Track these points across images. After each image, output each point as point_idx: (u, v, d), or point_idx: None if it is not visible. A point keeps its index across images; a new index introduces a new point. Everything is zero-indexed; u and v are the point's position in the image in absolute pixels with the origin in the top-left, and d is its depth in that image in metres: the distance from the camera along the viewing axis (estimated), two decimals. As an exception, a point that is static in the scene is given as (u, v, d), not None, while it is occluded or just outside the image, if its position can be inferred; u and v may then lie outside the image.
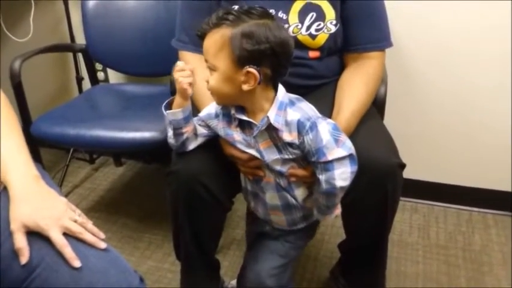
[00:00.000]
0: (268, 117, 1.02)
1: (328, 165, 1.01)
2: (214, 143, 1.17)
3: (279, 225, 1.20)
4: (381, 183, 1.16)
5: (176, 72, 1.05)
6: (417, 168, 1.83)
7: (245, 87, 1.00)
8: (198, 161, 1.16)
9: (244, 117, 1.06)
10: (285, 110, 1.03)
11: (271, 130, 1.04)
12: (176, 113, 1.08)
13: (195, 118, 1.15)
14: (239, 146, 1.11)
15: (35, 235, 0.81)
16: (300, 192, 1.13)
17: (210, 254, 1.38)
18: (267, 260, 1.22)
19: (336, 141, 1.00)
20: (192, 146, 1.16)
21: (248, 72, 0.98)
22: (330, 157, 1.00)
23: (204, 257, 1.34)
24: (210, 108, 1.15)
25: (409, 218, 1.93)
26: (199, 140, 1.17)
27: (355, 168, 1.02)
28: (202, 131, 1.16)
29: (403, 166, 1.19)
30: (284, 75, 1.05)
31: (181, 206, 1.21)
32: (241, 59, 0.97)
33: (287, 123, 1.02)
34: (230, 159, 1.15)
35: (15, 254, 0.80)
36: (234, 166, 1.17)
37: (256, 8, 1.02)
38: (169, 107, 1.11)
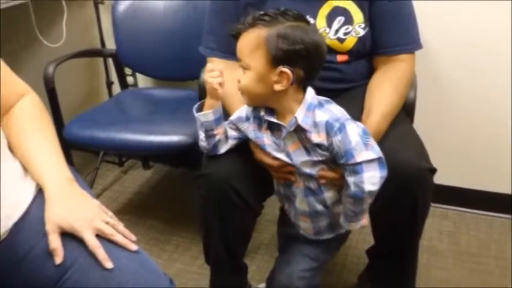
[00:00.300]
0: (296, 117, 1.02)
1: (357, 168, 1.00)
2: (245, 147, 1.17)
3: (306, 232, 1.20)
4: (411, 188, 1.15)
5: (206, 73, 1.06)
6: (447, 173, 1.79)
7: (277, 87, 1.01)
8: (229, 164, 1.17)
9: (274, 119, 1.07)
10: (313, 111, 1.03)
11: (299, 131, 1.04)
12: (207, 114, 1.09)
13: (226, 122, 1.15)
14: (269, 149, 1.11)
15: (68, 236, 0.83)
16: (329, 195, 1.12)
17: (239, 257, 1.38)
18: (298, 262, 1.22)
19: (365, 145, 1.00)
20: (223, 149, 1.17)
21: (282, 72, 0.99)
22: (358, 159, 0.99)
23: (232, 260, 1.34)
24: (241, 111, 1.16)
25: (438, 224, 1.90)
26: (230, 143, 1.17)
27: (384, 173, 1.01)
28: (232, 133, 1.17)
29: (433, 171, 1.17)
30: (315, 79, 1.06)
31: (211, 209, 1.21)
32: (276, 59, 0.99)
33: (315, 124, 1.02)
34: (260, 164, 1.16)
35: (49, 254, 0.82)
36: (265, 170, 1.17)
37: (291, 10, 1.03)
38: (200, 109, 1.12)
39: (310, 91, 1.05)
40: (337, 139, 1.00)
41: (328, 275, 1.64)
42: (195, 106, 1.12)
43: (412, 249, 1.32)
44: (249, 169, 1.17)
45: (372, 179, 1.00)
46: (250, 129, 1.13)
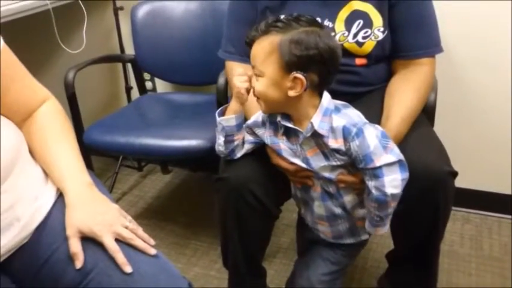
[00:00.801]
0: (312, 123, 1.02)
1: (377, 172, 0.99)
2: (262, 151, 1.18)
3: (325, 235, 1.19)
4: (432, 191, 1.13)
5: (235, 76, 1.07)
6: (469, 176, 1.77)
7: (291, 93, 1.01)
8: (247, 168, 1.17)
9: (290, 125, 1.06)
10: (330, 116, 1.02)
11: (317, 137, 1.04)
12: (230, 119, 1.10)
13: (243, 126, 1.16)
14: (285, 155, 1.11)
15: (89, 240, 0.84)
16: (349, 199, 1.11)
17: (257, 261, 1.38)
18: (319, 266, 1.21)
19: (384, 148, 0.99)
20: (240, 153, 1.18)
21: (295, 78, 0.99)
22: (378, 163, 0.98)
23: (251, 264, 1.34)
24: (257, 116, 1.16)
25: (460, 228, 1.87)
26: (246, 147, 1.18)
27: (406, 175, 1.00)
28: (249, 138, 1.17)
29: (455, 174, 1.15)
30: (330, 84, 1.05)
31: (230, 212, 1.22)
32: (289, 65, 0.99)
33: (333, 130, 1.02)
34: (278, 168, 1.15)
35: (70, 258, 0.83)
36: (282, 174, 1.17)
37: (305, 16, 1.03)
38: (222, 114, 1.12)
39: (326, 96, 1.05)
40: (355, 144, 0.99)
41: (347, 278, 1.62)
42: (218, 111, 1.13)
43: (433, 254, 1.30)
44: (267, 173, 1.18)
45: (393, 182, 0.99)
46: (266, 135, 1.13)
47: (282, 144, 1.11)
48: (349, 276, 1.64)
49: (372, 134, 0.99)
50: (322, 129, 1.02)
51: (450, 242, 1.79)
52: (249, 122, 1.17)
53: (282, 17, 1.04)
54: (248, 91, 1.07)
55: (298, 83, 1.00)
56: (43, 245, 0.86)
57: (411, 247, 1.29)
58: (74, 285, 0.82)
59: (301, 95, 1.01)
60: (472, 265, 1.69)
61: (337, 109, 1.04)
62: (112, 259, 0.82)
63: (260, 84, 1.03)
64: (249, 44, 1.05)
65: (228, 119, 1.10)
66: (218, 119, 1.12)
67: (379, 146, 0.99)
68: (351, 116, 1.04)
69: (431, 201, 1.15)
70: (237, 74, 1.08)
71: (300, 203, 1.22)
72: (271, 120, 1.12)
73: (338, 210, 1.12)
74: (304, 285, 1.22)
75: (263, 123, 1.14)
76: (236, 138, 1.13)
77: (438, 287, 1.38)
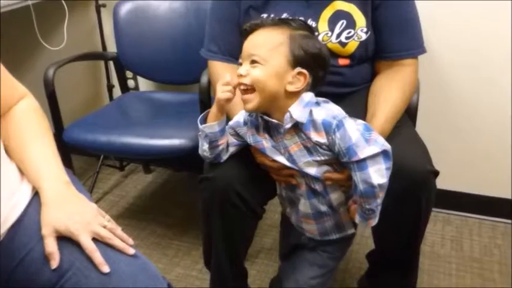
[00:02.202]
0: (290, 112, 1.01)
1: (361, 164, 0.99)
2: (247, 150, 1.17)
3: (311, 233, 1.19)
4: (414, 190, 1.14)
5: (220, 84, 1.05)
6: (449, 178, 1.79)
7: (291, 87, 1.01)
8: (232, 168, 1.16)
9: (271, 119, 1.05)
10: (309, 108, 1.02)
11: (299, 131, 1.03)
12: (213, 125, 1.08)
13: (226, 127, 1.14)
14: (268, 153, 1.10)
15: (66, 240, 0.82)
16: (335, 196, 1.11)
17: (240, 261, 1.37)
18: (307, 270, 1.21)
19: (367, 140, 0.99)
20: (225, 156, 1.17)
21: (299, 73, 1.01)
22: (361, 155, 0.98)
23: (233, 264, 1.33)
24: (239, 116, 1.15)
25: (441, 229, 1.88)
26: (231, 150, 1.17)
27: (389, 163, 1.00)
28: (232, 140, 1.16)
29: (436, 173, 1.16)
30: (320, 86, 1.08)
31: (214, 213, 1.21)
32: (297, 60, 1.01)
33: (313, 123, 1.02)
34: (263, 167, 1.15)
35: (46, 258, 0.81)
36: (267, 173, 1.16)
37: (300, 19, 1.10)
38: (204, 120, 1.11)
39: (308, 93, 1.05)
40: (336, 137, 0.99)
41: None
42: (199, 118, 1.11)
43: (413, 254, 1.31)
44: (251, 172, 1.17)
45: (378, 171, 0.99)
46: (248, 134, 1.12)
47: (265, 143, 1.10)
48: (331, 278, 1.64)
49: (352, 126, 1.00)
50: (301, 118, 1.01)
51: (431, 243, 1.80)
52: (231, 122, 1.16)
53: (283, 16, 1.08)
54: (230, 100, 1.05)
55: (300, 79, 1.02)
56: (18, 245, 0.84)
57: (392, 247, 1.30)
58: (49, 285, 0.80)
59: (295, 92, 1.02)
60: (452, 266, 1.70)
61: (316, 103, 1.05)
62: (90, 259, 0.80)
63: (261, 72, 1.01)
64: (249, 32, 1.05)
65: (211, 125, 1.09)
66: (200, 126, 1.10)
67: (361, 138, 0.99)
68: (331, 108, 1.04)
69: (413, 200, 1.15)
70: (222, 82, 1.05)
71: (285, 202, 1.21)
72: (252, 120, 1.11)
73: (324, 208, 1.12)
74: (292, 286, 1.22)
75: (245, 123, 1.13)
76: (220, 143, 1.12)
77: (418, 287, 1.39)
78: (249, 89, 1.03)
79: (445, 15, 1.69)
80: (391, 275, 1.35)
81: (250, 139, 1.12)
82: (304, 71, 1.01)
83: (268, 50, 1.01)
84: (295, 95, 1.03)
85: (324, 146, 1.03)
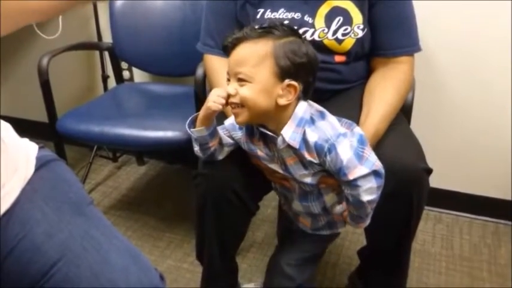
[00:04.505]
0: (282, 135, 0.99)
1: (351, 184, 0.99)
2: (244, 150, 1.16)
3: (304, 225, 1.19)
4: (407, 187, 1.14)
5: (215, 93, 1.00)
6: (442, 176, 1.79)
7: (282, 101, 0.97)
8: (227, 165, 1.15)
9: (267, 131, 1.03)
10: (303, 127, 0.99)
11: (293, 148, 1.01)
12: (201, 130, 1.06)
13: (220, 127, 1.12)
14: (263, 161, 1.10)
15: (56, 229, 0.82)
16: (329, 198, 1.11)
17: (232, 256, 1.38)
18: (290, 252, 1.23)
19: (360, 157, 0.97)
20: (221, 156, 1.14)
21: (289, 85, 0.96)
22: (351, 177, 0.97)
23: (225, 259, 1.33)
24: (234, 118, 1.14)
25: (432, 227, 1.89)
26: (227, 150, 1.15)
27: (380, 182, 0.99)
28: (228, 140, 1.13)
29: (429, 171, 1.17)
30: (311, 93, 1.03)
31: (208, 209, 1.20)
32: (284, 72, 0.96)
33: (306, 144, 0.99)
34: (257, 167, 1.15)
35: (37, 247, 0.80)
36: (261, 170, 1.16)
37: (285, 24, 1.01)
38: (193, 122, 1.09)
39: (301, 105, 1.01)
40: (327, 160, 0.98)
41: (320, 276, 1.63)
42: (188, 121, 1.08)
43: (404, 252, 1.32)
44: (246, 169, 1.16)
45: (368, 190, 0.99)
46: (243, 141, 1.10)
47: (259, 151, 1.09)
48: (322, 273, 1.65)
49: (345, 147, 0.97)
50: (294, 141, 0.98)
51: (422, 241, 1.81)
52: (226, 124, 1.13)
53: (264, 25, 1.00)
54: (217, 112, 1.01)
55: (290, 91, 0.97)
56: (8, 236, 0.83)
57: (383, 244, 1.30)
58: (40, 275, 0.80)
59: (289, 104, 0.98)
60: (442, 264, 1.71)
61: (311, 120, 1.01)
62: (81, 248, 0.80)
63: (249, 91, 0.96)
64: (231, 47, 0.99)
65: (199, 130, 1.06)
66: (189, 131, 1.08)
67: (353, 158, 0.96)
68: (324, 129, 0.99)
69: (406, 197, 1.16)
70: (218, 91, 1.00)
71: (281, 196, 1.22)
72: (247, 126, 1.08)
73: (317, 210, 1.12)
74: (273, 265, 1.24)
75: (240, 127, 1.11)
76: (211, 144, 1.09)
77: (408, 284, 1.40)
78: (240, 105, 0.99)
79: (441, 16, 1.69)
80: (382, 272, 1.36)
81: (244, 146, 1.10)
82: (294, 82, 0.96)
83: (252, 66, 0.96)
84: (287, 106, 0.99)
85: (316, 165, 1.02)
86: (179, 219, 1.94)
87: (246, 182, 1.17)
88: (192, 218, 1.33)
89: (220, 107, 1.00)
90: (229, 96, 0.99)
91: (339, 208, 1.13)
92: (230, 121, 1.13)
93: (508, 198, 1.87)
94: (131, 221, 1.93)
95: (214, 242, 1.27)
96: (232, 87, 0.98)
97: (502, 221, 1.91)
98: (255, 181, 1.18)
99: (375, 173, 0.98)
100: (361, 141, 0.99)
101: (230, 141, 1.14)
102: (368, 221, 1.09)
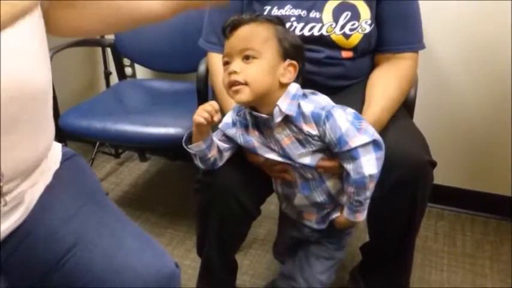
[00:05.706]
0: (278, 105, 1.00)
1: (353, 153, 0.99)
2: (242, 153, 1.16)
3: (309, 221, 1.18)
4: (411, 180, 1.14)
5: (201, 108, 1.00)
6: (444, 173, 1.79)
7: (284, 79, 1.02)
8: (228, 171, 1.15)
9: (262, 114, 1.04)
10: (297, 100, 1.02)
11: (289, 123, 1.03)
12: (199, 144, 1.06)
13: (214, 134, 1.11)
14: (260, 152, 1.10)
15: (71, 215, 0.83)
16: (331, 184, 1.10)
17: (231, 256, 1.38)
18: (314, 265, 1.22)
19: (358, 129, 0.99)
20: (221, 162, 1.14)
21: (290, 64, 1.02)
22: (352, 144, 0.98)
23: (224, 259, 1.33)
24: (227, 118, 1.13)
25: (434, 224, 1.89)
26: (226, 156, 1.14)
27: (380, 153, 1.00)
28: (224, 145, 1.13)
29: (434, 164, 1.16)
30: (301, 77, 1.08)
31: (210, 216, 1.21)
32: (286, 52, 1.02)
33: (303, 116, 1.01)
34: (256, 165, 1.14)
35: (50, 235, 0.81)
36: (263, 173, 1.16)
37: (272, 15, 1.13)
38: (188, 138, 1.08)
39: (294, 85, 1.05)
40: (326, 128, 0.99)
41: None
42: (184, 139, 1.08)
43: (407, 247, 1.31)
44: (247, 174, 1.16)
45: (369, 161, 0.99)
46: (238, 134, 1.10)
47: (255, 142, 1.09)
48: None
49: (341, 116, 1.00)
50: (290, 111, 1.01)
51: (424, 237, 1.81)
52: (221, 125, 1.13)
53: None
54: (208, 122, 1.01)
55: (291, 70, 1.03)
56: (29, 220, 0.84)
57: (387, 239, 1.30)
58: (56, 260, 0.80)
59: (286, 84, 1.02)
60: (444, 261, 1.71)
61: (304, 95, 1.04)
62: (96, 233, 0.81)
63: (256, 68, 0.99)
64: (232, 28, 1.03)
65: (196, 145, 1.06)
66: (186, 147, 1.08)
67: (352, 127, 0.99)
68: (319, 101, 1.04)
69: (410, 189, 1.15)
70: (205, 105, 1.00)
71: (282, 197, 1.21)
72: (240, 119, 1.09)
73: (321, 198, 1.11)
74: (303, 286, 1.22)
75: (233, 124, 1.11)
76: (210, 155, 1.09)
77: (410, 281, 1.40)
78: (243, 83, 0.99)
79: (445, 12, 1.69)
80: (384, 267, 1.36)
81: (240, 139, 1.10)
82: (294, 62, 1.03)
83: (260, 43, 1.00)
84: (283, 87, 1.03)
85: (315, 137, 1.02)
86: (181, 215, 1.94)
87: (247, 188, 1.17)
88: (194, 217, 1.33)
89: (204, 121, 0.99)
90: (230, 81, 1.00)
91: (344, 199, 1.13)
92: (224, 121, 1.13)
93: (510, 195, 1.87)
94: (133, 217, 1.92)
95: (215, 244, 1.27)
96: (237, 64, 1.00)
97: (504, 218, 1.91)
98: (255, 186, 1.18)
99: (375, 143, 1.00)
100: (357, 116, 1.02)
101: (226, 145, 1.13)
102: (365, 213, 1.08)
